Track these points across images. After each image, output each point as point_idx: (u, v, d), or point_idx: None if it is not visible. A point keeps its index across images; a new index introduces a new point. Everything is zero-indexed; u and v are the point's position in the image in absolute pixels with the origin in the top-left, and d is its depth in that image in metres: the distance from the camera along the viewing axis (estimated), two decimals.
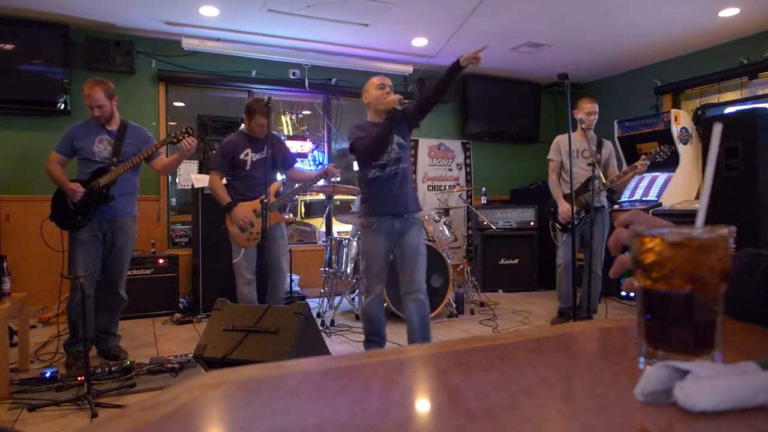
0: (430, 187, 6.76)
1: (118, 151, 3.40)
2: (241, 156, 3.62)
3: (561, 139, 4.34)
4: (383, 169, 3.07)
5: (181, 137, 3.43)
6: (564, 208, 4.14)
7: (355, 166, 4.41)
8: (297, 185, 3.88)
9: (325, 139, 6.38)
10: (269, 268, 3.64)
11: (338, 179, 3.89)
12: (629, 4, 4.67)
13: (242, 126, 3.79)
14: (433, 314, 4.57)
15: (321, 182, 4.36)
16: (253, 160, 3.64)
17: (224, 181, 3.72)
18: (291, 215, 4.15)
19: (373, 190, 3.10)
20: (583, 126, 4.17)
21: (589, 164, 4.01)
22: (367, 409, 0.41)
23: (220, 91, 6.01)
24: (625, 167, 4.82)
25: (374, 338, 3.27)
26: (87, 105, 3.34)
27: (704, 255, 0.46)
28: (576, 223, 3.90)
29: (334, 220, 6.22)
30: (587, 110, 4.18)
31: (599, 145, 4.29)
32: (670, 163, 5.52)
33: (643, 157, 4.13)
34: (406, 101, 3.00)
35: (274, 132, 3.93)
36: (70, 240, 3.37)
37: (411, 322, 3.11)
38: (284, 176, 3.95)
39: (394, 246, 3.13)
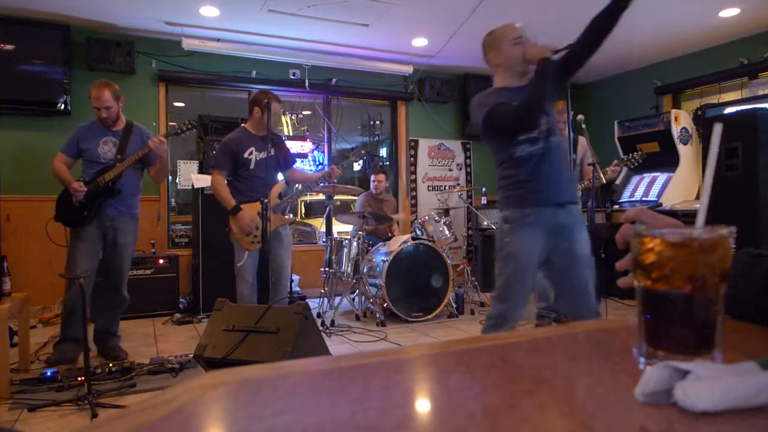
0: (430, 188, 6.76)
1: (123, 150, 3.45)
2: (246, 154, 3.45)
3: None
4: (534, 143, 2.36)
5: (185, 129, 3.60)
6: None
7: (356, 166, 4.41)
8: (300, 186, 3.86)
9: (325, 139, 6.38)
10: (273, 269, 3.58)
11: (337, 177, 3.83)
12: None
13: (242, 123, 3.76)
14: (433, 314, 4.59)
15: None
16: (257, 159, 3.49)
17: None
18: (291, 215, 4.11)
19: (525, 172, 2.36)
20: None
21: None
22: (367, 409, 0.41)
23: (220, 91, 6.01)
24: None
25: None
26: (94, 107, 3.38)
27: (704, 255, 0.46)
28: None
29: (334, 220, 6.22)
30: None
31: (575, 144, 4.21)
32: (671, 163, 5.53)
33: (615, 162, 4.17)
34: (561, 48, 2.34)
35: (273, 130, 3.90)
36: (71, 236, 3.40)
37: None
38: (285, 177, 3.89)
39: (552, 249, 2.33)
